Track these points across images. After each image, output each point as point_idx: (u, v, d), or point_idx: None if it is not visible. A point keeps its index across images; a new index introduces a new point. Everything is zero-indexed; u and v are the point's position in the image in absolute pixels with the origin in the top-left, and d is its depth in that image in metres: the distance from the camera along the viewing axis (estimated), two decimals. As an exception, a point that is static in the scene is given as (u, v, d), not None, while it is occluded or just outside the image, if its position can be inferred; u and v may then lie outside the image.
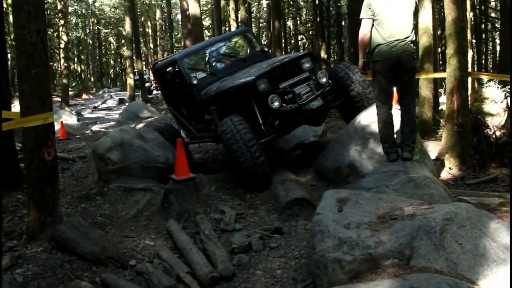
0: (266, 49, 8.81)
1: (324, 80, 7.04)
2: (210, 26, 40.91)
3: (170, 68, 8.31)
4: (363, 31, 5.57)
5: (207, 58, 8.89)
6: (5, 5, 20.72)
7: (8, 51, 22.81)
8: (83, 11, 44.13)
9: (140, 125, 14.29)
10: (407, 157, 5.42)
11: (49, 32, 31.98)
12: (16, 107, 7.75)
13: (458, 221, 3.66)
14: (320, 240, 4.01)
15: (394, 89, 5.83)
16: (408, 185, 4.94)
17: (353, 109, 7.30)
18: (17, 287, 4.51)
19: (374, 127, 6.12)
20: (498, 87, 9.20)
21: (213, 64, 8.84)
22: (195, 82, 7.82)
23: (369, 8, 5.49)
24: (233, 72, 8.07)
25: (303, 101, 6.78)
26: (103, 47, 58.00)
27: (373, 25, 5.49)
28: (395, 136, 5.66)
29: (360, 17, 5.62)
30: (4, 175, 6.94)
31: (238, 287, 4.61)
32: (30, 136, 5.33)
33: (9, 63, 19.56)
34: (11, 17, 19.40)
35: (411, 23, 5.44)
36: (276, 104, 6.63)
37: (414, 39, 5.49)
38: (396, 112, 5.70)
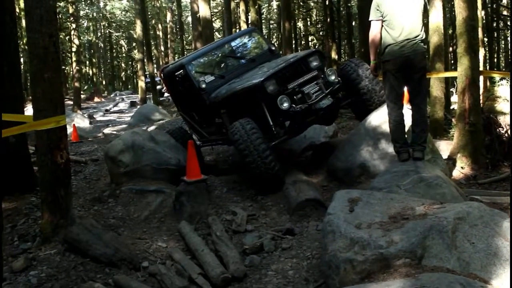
0: (273, 48, 8.71)
1: (333, 77, 6.98)
2: (221, 28, 41.02)
3: (179, 72, 8.26)
4: (373, 33, 5.56)
5: (214, 61, 8.82)
6: (17, 10, 20.89)
7: (21, 55, 23.01)
8: (94, 14, 44.39)
9: (152, 128, 14.35)
10: (418, 156, 5.39)
11: (61, 36, 32.19)
12: (29, 110, 7.83)
13: (470, 220, 3.65)
14: (332, 241, 4.01)
15: (405, 88, 5.81)
16: (420, 185, 4.92)
17: (364, 106, 7.27)
18: (31, 288, 4.55)
19: (385, 127, 6.10)
20: (510, 86, 9.14)
21: (221, 66, 8.76)
22: (203, 86, 7.77)
23: (377, 9, 5.48)
24: (241, 73, 8.02)
25: (312, 100, 6.73)
26: (114, 50, 58.30)
27: (382, 26, 5.49)
28: (406, 136, 5.64)
29: (370, 19, 5.62)
30: (18, 178, 7.00)
31: (250, 288, 4.62)
32: (43, 139, 5.37)
33: (21, 67, 19.75)
34: (23, 21, 19.60)
35: (420, 22, 5.41)
36: (286, 105, 6.59)
37: (424, 38, 5.47)
38: (407, 112, 5.67)
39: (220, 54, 8.82)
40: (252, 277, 4.81)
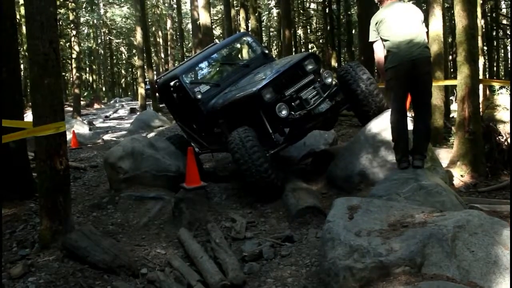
0: (266, 51, 8.61)
1: (329, 80, 6.94)
2: (221, 35, 41.10)
3: (173, 83, 8.12)
4: (378, 55, 5.60)
5: (208, 69, 8.68)
6: (18, 16, 20.94)
7: (21, 61, 23.06)
8: (95, 21, 44.49)
9: (152, 134, 14.35)
10: (418, 165, 5.35)
11: (61, 43, 32.23)
12: (28, 117, 7.83)
13: (470, 228, 3.63)
14: (331, 248, 4.00)
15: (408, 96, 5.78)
16: (419, 193, 4.90)
17: (361, 109, 7.18)
18: (29, 295, 4.54)
19: (385, 135, 6.09)
20: (510, 94, 9.15)
21: (215, 74, 8.63)
22: (199, 96, 7.67)
23: (375, 30, 5.48)
24: (236, 80, 7.93)
25: (311, 106, 6.69)
26: (114, 57, 58.32)
27: (384, 40, 5.44)
28: (407, 144, 5.60)
29: (370, 41, 5.61)
30: (17, 184, 7.00)
31: (249, 295, 4.60)
32: (42, 145, 5.37)
33: (22, 73, 19.79)
34: (24, 28, 19.65)
35: (421, 29, 5.39)
36: (284, 112, 6.56)
37: (427, 44, 5.45)
38: (409, 120, 5.65)
39: (213, 62, 8.71)
40: (251, 284, 4.79)
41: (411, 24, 5.34)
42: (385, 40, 5.41)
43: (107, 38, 52.29)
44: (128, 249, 5.63)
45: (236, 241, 5.78)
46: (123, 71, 65.57)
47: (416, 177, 5.15)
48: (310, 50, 38.51)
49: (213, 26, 31.28)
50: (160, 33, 46.44)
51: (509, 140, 7.49)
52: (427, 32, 6.00)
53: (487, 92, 14.42)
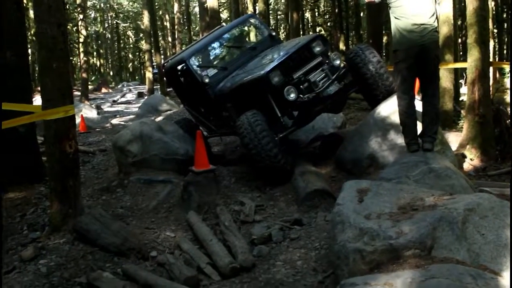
0: (273, 33, 8.51)
1: (338, 62, 6.86)
2: (228, 18, 40.89)
3: (180, 67, 8.02)
4: None
5: (215, 52, 8.62)
6: (25, 1, 20.91)
7: (29, 46, 23.08)
8: (102, 5, 44.45)
9: (160, 118, 14.35)
10: (428, 148, 5.31)
11: (68, 27, 32.22)
12: (37, 101, 7.84)
13: (480, 211, 3.61)
14: (341, 231, 3.99)
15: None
16: (429, 176, 4.87)
17: (370, 92, 7.10)
18: (41, 277, 4.58)
19: (394, 118, 6.05)
20: (510, 76, 9.08)
21: (222, 57, 8.55)
22: (207, 80, 7.58)
23: None
24: (243, 63, 7.84)
25: (319, 88, 6.60)
26: (121, 41, 58.28)
27: (396, 17, 5.38)
28: (416, 127, 5.56)
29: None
30: (27, 167, 7.04)
31: (259, 277, 4.61)
32: (51, 129, 5.39)
33: (29, 58, 19.82)
34: (31, 12, 19.64)
35: (432, 11, 5.32)
36: (293, 95, 6.49)
37: (436, 27, 5.40)
38: (418, 103, 5.60)
39: (220, 45, 8.64)
40: (260, 267, 4.80)
41: (423, 4, 5.25)
42: (396, 18, 5.34)
43: (114, 22, 52.26)
44: (137, 232, 5.66)
45: (245, 224, 5.79)
46: (130, 55, 65.55)
47: (426, 160, 5.11)
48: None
49: (221, 9, 31.09)
50: (167, 16, 46.32)
51: (510, 122, 7.44)
52: (437, 14, 5.92)
53: (497, 75, 14.31)
